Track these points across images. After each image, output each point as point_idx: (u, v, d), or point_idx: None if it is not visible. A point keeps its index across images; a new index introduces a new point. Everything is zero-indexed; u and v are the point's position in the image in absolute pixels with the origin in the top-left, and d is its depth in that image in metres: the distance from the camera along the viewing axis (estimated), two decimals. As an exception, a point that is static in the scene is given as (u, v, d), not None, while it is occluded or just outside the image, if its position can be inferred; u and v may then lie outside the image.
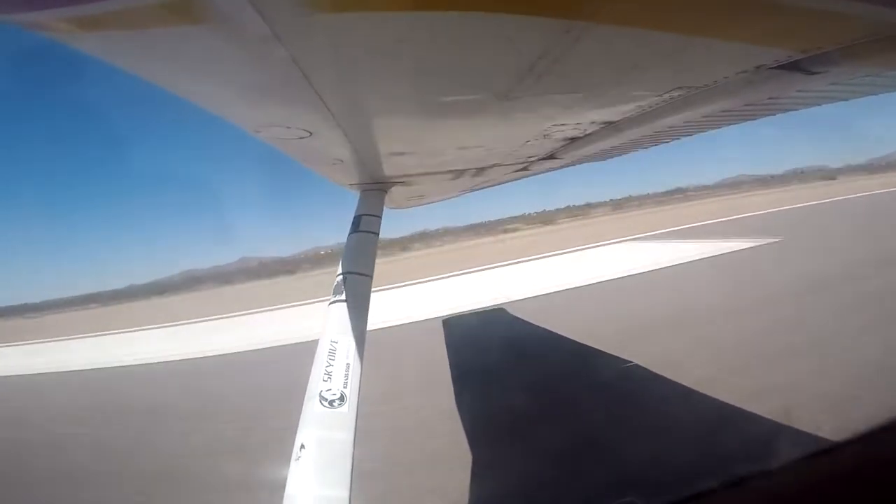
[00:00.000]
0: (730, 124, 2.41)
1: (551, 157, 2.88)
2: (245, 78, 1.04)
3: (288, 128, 1.43)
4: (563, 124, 1.93)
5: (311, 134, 1.50)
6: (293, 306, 19.85)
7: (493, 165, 3.03)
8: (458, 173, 3.06)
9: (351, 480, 1.36)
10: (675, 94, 1.50)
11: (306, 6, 0.75)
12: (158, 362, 12.55)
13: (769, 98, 1.60)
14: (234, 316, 20.26)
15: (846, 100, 1.92)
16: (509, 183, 4.65)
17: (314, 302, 15.93)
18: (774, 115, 2.18)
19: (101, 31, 0.76)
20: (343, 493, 1.32)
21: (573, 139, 2.26)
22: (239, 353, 12.31)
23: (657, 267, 14.44)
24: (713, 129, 2.52)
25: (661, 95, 1.51)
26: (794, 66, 1.19)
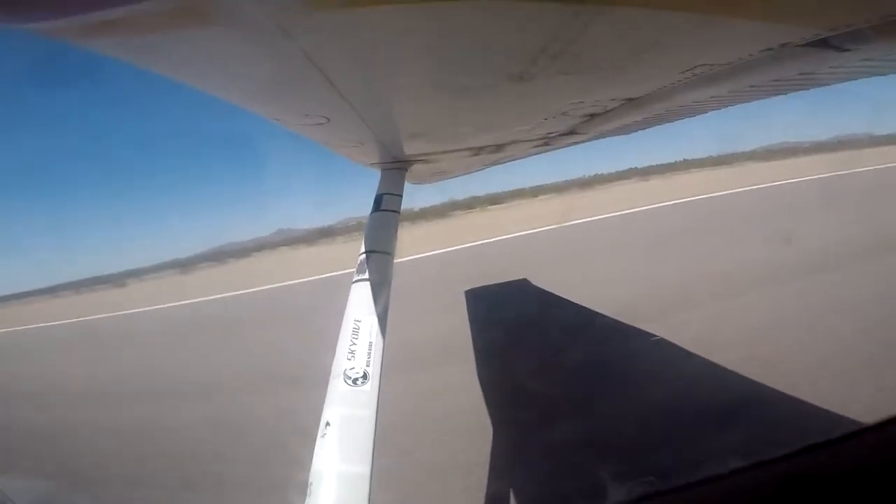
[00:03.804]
0: (760, 98, 2.29)
1: (572, 132, 2.83)
2: (260, 73, 1.07)
3: (306, 115, 1.47)
4: (581, 102, 1.88)
5: (328, 120, 1.53)
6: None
7: (513, 142, 3.00)
8: (477, 150, 3.05)
9: (372, 457, 1.42)
10: (697, 71, 1.44)
11: (311, 4, 0.76)
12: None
13: (800, 74, 1.52)
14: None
15: (884, 74, 1.79)
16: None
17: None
18: (808, 89, 2.06)
19: (119, 36, 0.78)
20: (365, 469, 1.39)
21: (593, 115, 2.21)
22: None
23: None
24: (742, 103, 2.41)
25: (682, 73, 1.46)
26: (823, 44, 1.13)
